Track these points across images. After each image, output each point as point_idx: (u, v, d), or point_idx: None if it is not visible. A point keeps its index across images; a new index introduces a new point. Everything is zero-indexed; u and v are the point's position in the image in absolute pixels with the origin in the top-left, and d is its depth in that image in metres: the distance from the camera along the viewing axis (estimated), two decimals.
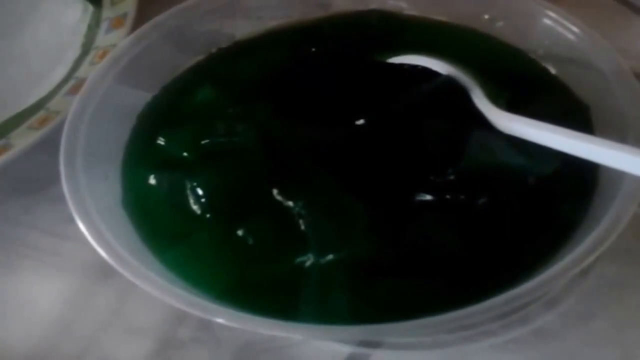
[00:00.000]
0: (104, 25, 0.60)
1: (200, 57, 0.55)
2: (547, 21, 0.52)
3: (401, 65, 0.50)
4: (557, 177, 0.43)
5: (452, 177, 0.44)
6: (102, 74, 0.51)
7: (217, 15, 0.57)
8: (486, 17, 0.54)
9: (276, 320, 0.38)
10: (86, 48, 0.59)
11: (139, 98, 0.52)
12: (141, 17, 0.59)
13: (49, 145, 0.51)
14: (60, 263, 0.50)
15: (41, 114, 0.54)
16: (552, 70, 0.51)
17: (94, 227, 0.42)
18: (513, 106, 0.47)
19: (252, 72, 0.52)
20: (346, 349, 0.43)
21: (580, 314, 0.44)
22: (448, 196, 0.43)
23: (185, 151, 0.47)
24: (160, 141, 0.48)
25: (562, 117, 0.45)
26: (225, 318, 0.39)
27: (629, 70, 0.47)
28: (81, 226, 0.43)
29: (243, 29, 0.58)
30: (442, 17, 0.55)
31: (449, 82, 0.48)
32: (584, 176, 0.44)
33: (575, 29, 0.50)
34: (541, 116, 0.44)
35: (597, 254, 0.38)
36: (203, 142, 0.47)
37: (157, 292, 0.39)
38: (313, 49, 0.52)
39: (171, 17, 0.55)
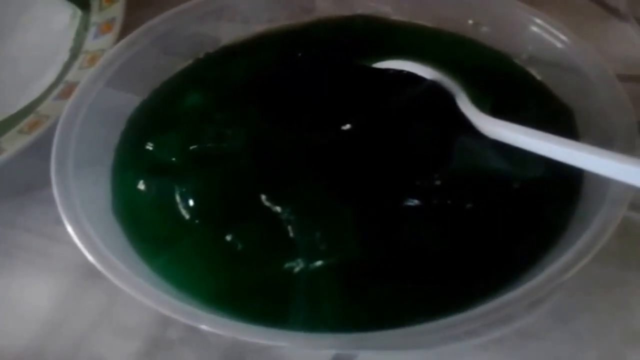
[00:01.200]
0: (92, 30, 0.59)
1: (188, 62, 0.55)
2: (530, 26, 0.51)
3: (386, 70, 0.50)
4: (543, 180, 0.43)
5: (438, 182, 0.44)
6: (93, 78, 0.51)
7: (205, 20, 0.57)
8: (470, 22, 0.53)
9: (263, 327, 0.38)
10: (75, 52, 0.59)
11: (130, 102, 0.52)
12: (129, 22, 0.59)
13: (39, 147, 0.51)
14: (50, 264, 0.49)
15: (31, 118, 0.54)
16: (536, 75, 0.51)
17: (83, 231, 0.42)
18: (498, 111, 0.46)
19: (240, 76, 0.51)
20: (332, 350, 0.43)
21: (564, 314, 0.44)
22: (435, 201, 0.43)
23: (174, 156, 0.47)
24: (149, 146, 0.48)
25: (547, 122, 0.44)
26: (210, 325, 0.38)
27: (613, 75, 0.47)
28: (70, 231, 0.42)
29: (229, 33, 0.58)
30: (427, 22, 0.55)
31: (434, 87, 0.48)
32: (569, 179, 0.43)
33: (559, 33, 0.50)
34: (526, 121, 0.44)
35: (588, 259, 0.38)
36: (192, 147, 0.47)
37: (143, 297, 0.39)
38: (299, 54, 0.52)
39: (161, 23, 0.54)
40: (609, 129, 0.45)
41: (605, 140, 0.44)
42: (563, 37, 0.50)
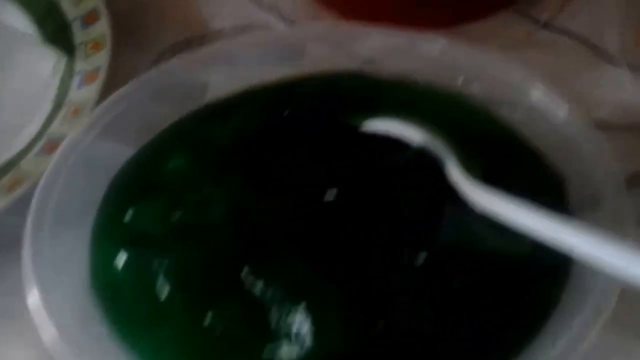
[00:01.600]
0: (76, 79, 0.57)
1: (176, 116, 0.52)
2: (524, 87, 0.49)
3: (374, 134, 0.48)
4: (534, 257, 0.41)
5: (426, 259, 0.41)
6: (77, 137, 0.49)
7: (194, 66, 0.55)
8: (461, 79, 0.51)
9: None
10: (58, 102, 0.57)
11: (114, 162, 0.49)
12: (115, 66, 0.58)
13: (16, 205, 0.49)
14: (23, 330, 0.46)
15: (12, 175, 0.52)
16: (528, 137, 0.48)
17: (53, 313, 0.40)
18: (488, 175, 0.44)
19: (225, 137, 0.49)
20: None
21: None
22: (422, 280, 0.41)
23: (154, 227, 0.45)
24: (129, 215, 0.45)
25: (537, 189, 0.43)
26: None
27: (605, 142, 0.45)
28: (37, 310, 0.40)
29: (218, 78, 0.56)
30: (417, 78, 0.52)
31: (423, 154, 0.45)
32: (562, 255, 0.41)
33: (553, 98, 0.48)
34: (516, 186, 0.41)
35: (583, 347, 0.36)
36: (173, 217, 0.45)
37: None
38: (286, 112, 0.50)
39: (149, 77, 0.53)
40: (599, 195, 0.44)
41: (595, 211, 0.43)
42: (557, 102, 0.48)
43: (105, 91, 0.55)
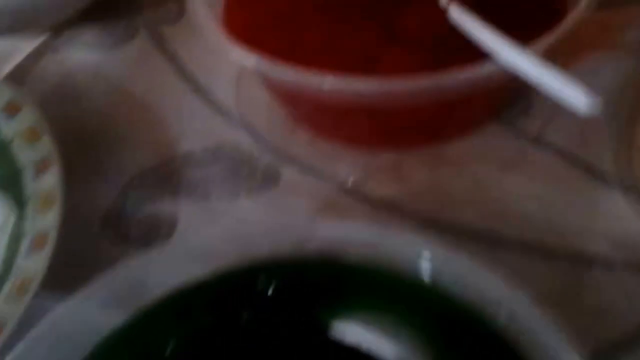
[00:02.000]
0: (25, 243, 0.51)
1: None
2: (496, 289, 0.43)
3: (343, 345, 0.42)
4: None
5: None
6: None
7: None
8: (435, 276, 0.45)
9: None
10: (6, 269, 0.50)
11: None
12: (72, 212, 0.52)
13: None
14: None
15: None
16: (506, 337, 0.42)
17: None
18: None
19: (178, 346, 0.43)
20: None
21: None
22: None
23: None
24: None
25: None
26: None
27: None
28: None
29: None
30: (389, 264, 0.45)
31: None
32: None
33: (526, 302, 0.42)
34: None
35: None
36: None
37: None
38: (245, 315, 0.44)
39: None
40: None
41: None
42: (533, 309, 0.41)
43: (59, 249, 0.50)
